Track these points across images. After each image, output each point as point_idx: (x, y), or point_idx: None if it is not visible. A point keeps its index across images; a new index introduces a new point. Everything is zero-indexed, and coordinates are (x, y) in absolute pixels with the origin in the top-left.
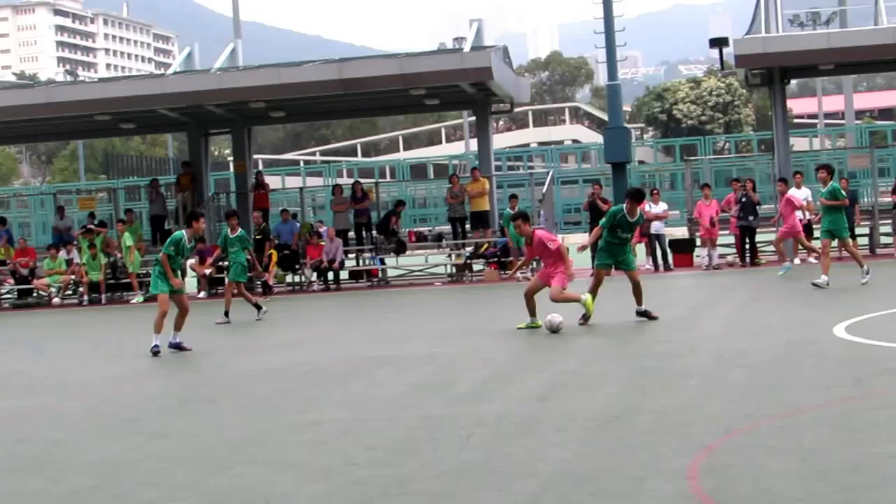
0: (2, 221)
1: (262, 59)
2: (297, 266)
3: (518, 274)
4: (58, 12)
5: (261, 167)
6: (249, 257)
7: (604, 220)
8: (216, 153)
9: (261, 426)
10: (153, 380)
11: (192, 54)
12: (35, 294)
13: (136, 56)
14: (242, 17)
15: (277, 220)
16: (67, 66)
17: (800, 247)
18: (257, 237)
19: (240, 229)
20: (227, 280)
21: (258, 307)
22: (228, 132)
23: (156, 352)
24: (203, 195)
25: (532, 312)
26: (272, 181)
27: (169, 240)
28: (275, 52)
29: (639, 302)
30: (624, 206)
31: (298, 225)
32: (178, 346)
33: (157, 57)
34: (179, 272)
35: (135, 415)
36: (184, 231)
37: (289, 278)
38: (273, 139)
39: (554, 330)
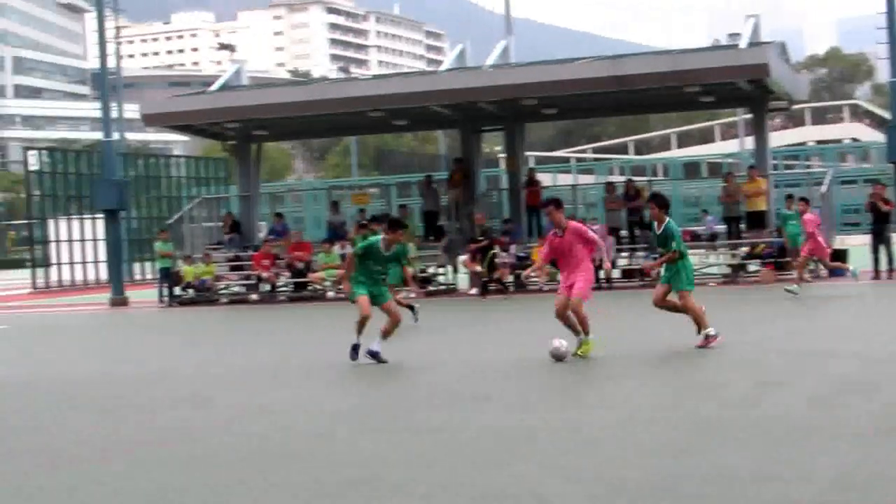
0: (278, 216)
1: (533, 56)
2: None
3: (532, 274)
4: (331, 10)
5: (532, 164)
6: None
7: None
8: (487, 150)
9: (530, 423)
10: (419, 374)
11: (463, 51)
12: (310, 288)
13: (408, 53)
14: (513, 13)
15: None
16: (340, 64)
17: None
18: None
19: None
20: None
21: (411, 308)
22: (501, 129)
23: (353, 355)
24: (475, 192)
25: (575, 331)
26: (543, 178)
27: (363, 242)
28: (546, 49)
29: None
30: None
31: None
32: (374, 355)
33: (428, 54)
34: (380, 281)
35: (402, 409)
36: (380, 237)
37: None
38: (544, 136)
39: (559, 358)
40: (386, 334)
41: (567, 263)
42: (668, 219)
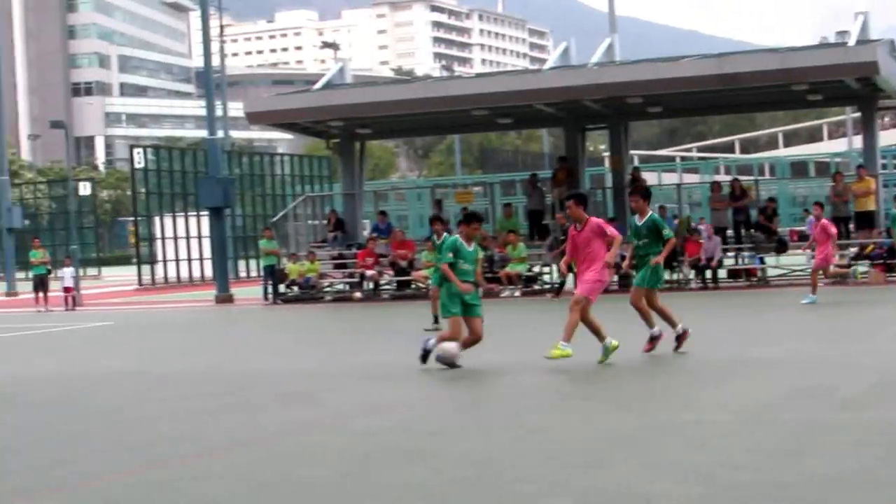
0: (382, 214)
1: (638, 54)
2: (674, 263)
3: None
4: (434, 8)
5: (636, 163)
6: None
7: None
8: (591, 148)
9: (638, 424)
10: (530, 373)
11: (568, 49)
12: (413, 286)
13: (511, 51)
14: (618, 11)
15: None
16: (443, 62)
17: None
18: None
19: (445, 234)
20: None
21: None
22: (605, 128)
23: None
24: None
25: (599, 336)
26: (648, 177)
27: (444, 246)
28: (650, 47)
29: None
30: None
31: (676, 222)
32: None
33: (532, 52)
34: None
35: (512, 408)
36: (457, 234)
37: (666, 275)
38: (648, 135)
39: (448, 363)
40: (465, 346)
41: (582, 259)
42: (650, 211)
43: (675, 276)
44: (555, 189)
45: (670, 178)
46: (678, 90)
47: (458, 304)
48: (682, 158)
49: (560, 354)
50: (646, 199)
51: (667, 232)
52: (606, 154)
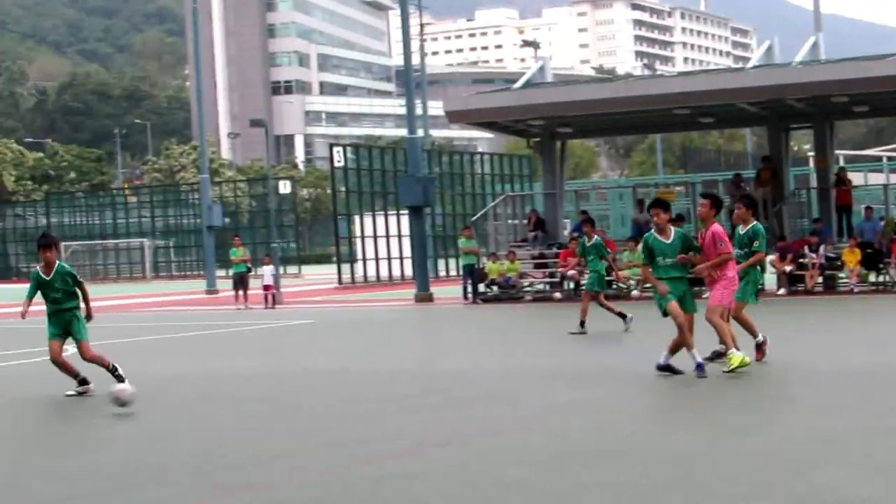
0: (584, 214)
1: (842, 52)
2: (881, 265)
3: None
4: (635, 7)
5: (842, 163)
6: (608, 265)
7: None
8: (795, 148)
9: (843, 426)
10: (720, 376)
11: (771, 48)
12: (614, 287)
13: (713, 50)
14: (822, 9)
15: (860, 217)
16: (645, 60)
17: None
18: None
19: (595, 237)
20: (584, 289)
21: (623, 316)
22: (809, 127)
23: (700, 374)
24: (783, 191)
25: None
26: (854, 177)
27: (642, 245)
28: (856, 45)
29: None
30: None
31: (882, 223)
32: (667, 368)
33: (735, 51)
34: (684, 280)
35: (710, 409)
36: (653, 230)
37: (872, 277)
38: (854, 134)
39: (121, 404)
40: (674, 349)
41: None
42: (754, 220)
43: (881, 278)
44: (759, 189)
45: (877, 179)
46: (885, 89)
47: (670, 293)
48: (890, 158)
49: (738, 362)
50: (749, 208)
51: (756, 244)
52: (811, 154)
